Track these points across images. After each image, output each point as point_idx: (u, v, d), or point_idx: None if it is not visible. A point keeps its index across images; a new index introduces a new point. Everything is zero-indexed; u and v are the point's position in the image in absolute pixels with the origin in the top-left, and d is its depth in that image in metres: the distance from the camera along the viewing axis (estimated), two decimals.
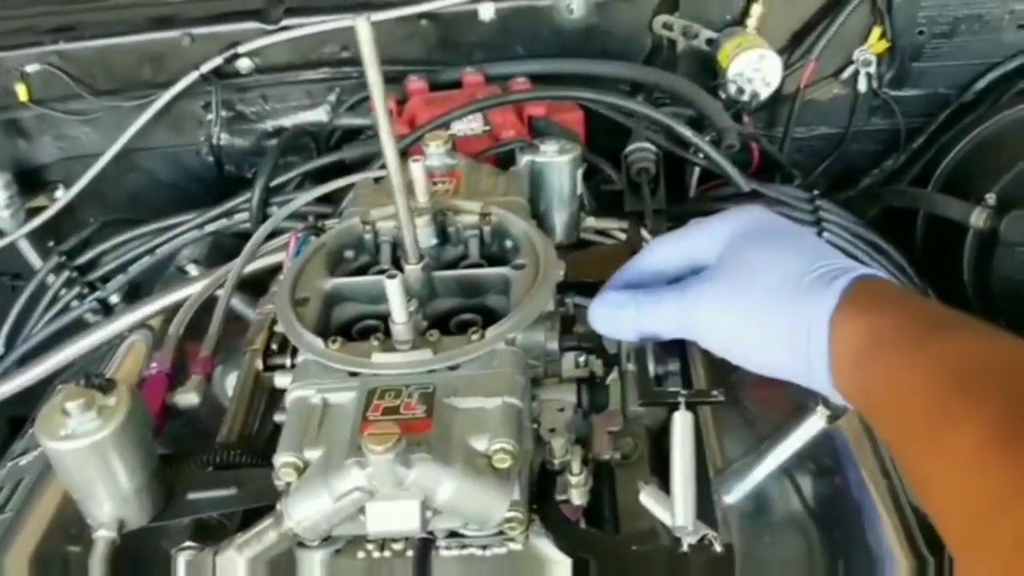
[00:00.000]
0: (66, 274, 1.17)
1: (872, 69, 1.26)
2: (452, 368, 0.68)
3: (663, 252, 0.70)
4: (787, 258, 0.61)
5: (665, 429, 0.97)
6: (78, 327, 1.18)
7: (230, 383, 0.97)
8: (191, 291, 1.01)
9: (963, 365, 0.51)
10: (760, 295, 0.60)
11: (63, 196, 1.32)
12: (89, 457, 0.66)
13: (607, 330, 0.71)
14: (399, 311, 0.67)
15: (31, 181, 1.39)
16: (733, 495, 0.85)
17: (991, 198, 1.00)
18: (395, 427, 0.60)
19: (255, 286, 1.05)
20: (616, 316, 0.69)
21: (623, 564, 0.65)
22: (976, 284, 1.06)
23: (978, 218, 1.01)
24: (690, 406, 0.67)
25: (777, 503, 0.88)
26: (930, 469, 0.50)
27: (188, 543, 0.73)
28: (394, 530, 0.62)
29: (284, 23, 1.25)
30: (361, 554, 0.72)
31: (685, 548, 0.59)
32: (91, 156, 1.31)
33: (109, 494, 0.68)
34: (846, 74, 1.28)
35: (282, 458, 0.64)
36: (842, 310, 0.56)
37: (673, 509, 0.61)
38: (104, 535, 0.69)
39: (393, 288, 0.66)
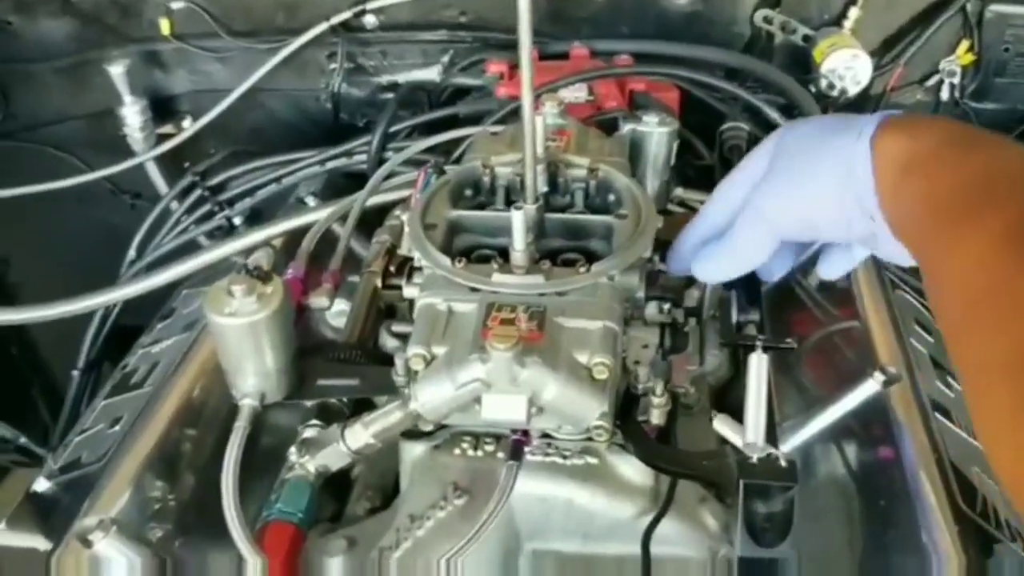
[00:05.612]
0: (198, 192, 1.29)
1: (956, 80, 1.33)
2: (560, 294, 0.78)
3: (727, 188, 0.76)
4: (820, 127, 0.65)
5: (727, 388, 1.07)
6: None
7: (331, 316, 1.09)
8: (314, 217, 1.13)
9: (999, 171, 0.52)
10: (801, 161, 0.65)
11: (191, 126, 1.45)
12: (246, 334, 0.78)
13: (720, 277, 0.78)
14: (519, 238, 0.77)
15: (162, 110, 1.52)
16: (786, 446, 0.94)
17: None
18: (515, 331, 0.70)
19: (361, 224, 1.17)
20: (720, 261, 0.76)
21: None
22: None
23: None
24: (766, 349, 0.76)
25: (826, 467, 0.97)
26: (942, 263, 0.52)
27: (314, 421, 0.85)
28: (503, 419, 0.73)
29: None
30: (457, 451, 0.84)
31: (754, 460, 0.69)
32: (220, 91, 1.44)
33: (255, 370, 0.80)
34: (931, 82, 1.35)
35: (413, 350, 0.75)
36: (881, 135, 0.59)
37: (745, 428, 0.71)
38: (248, 403, 0.81)
39: (518, 217, 0.76)
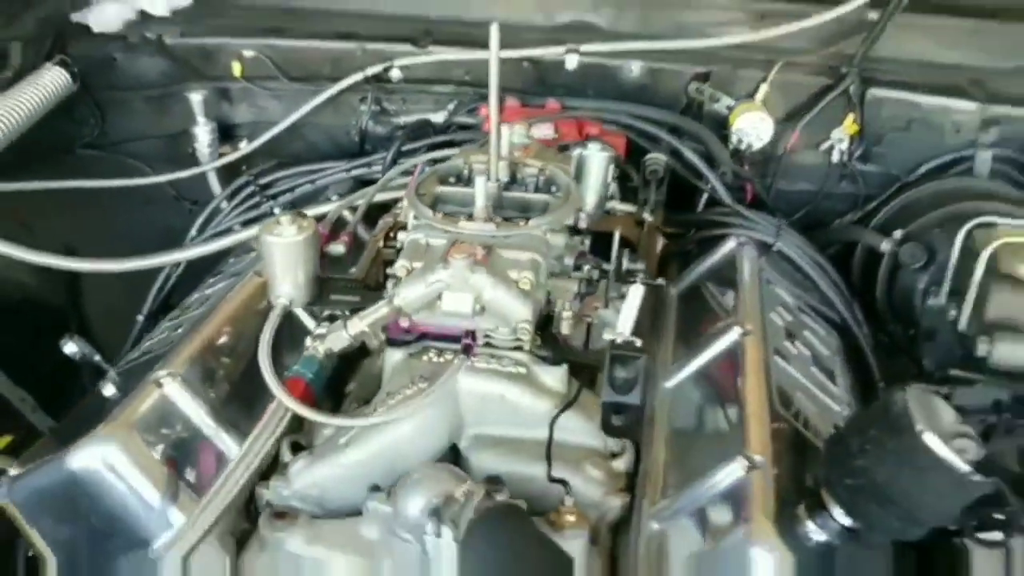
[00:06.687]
0: (250, 188, 1.67)
1: (844, 146, 1.68)
2: (506, 237, 1.13)
3: None
4: None
5: None
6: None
7: None
8: (336, 206, 1.50)
9: None
10: None
11: (247, 146, 1.83)
12: (287, 251, 1.13)
13: None
14: (480, 196, 1.13)
15: (224, 134, 1.91)
16: (671, 381, 1.25)
17: (898, 233, 1.43)
18: (469, 252, 1.05)
19: (367, 218, 1.51)
20: None
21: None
22: (885, 295, 1.48)
23: (886, 245, 1.43)
24: (644, 285, 1.11)
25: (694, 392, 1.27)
26: None
27: (324, 324, 1.19)
28: (457, 311, 1.06)
29: (430, 48, 1.76)
30: (426, 358, 1.16)
31: (619, 341, 1.02)
32: (272, 122, 1.83)
33: (290, 280, 1.15)
34: (824, 146, 1.71)
35: (400, 263, 1.09)
36: None
37: (617, 325, 1.04)
38: (282, 302, 1.15)
39: (480, 180, 1.13)
